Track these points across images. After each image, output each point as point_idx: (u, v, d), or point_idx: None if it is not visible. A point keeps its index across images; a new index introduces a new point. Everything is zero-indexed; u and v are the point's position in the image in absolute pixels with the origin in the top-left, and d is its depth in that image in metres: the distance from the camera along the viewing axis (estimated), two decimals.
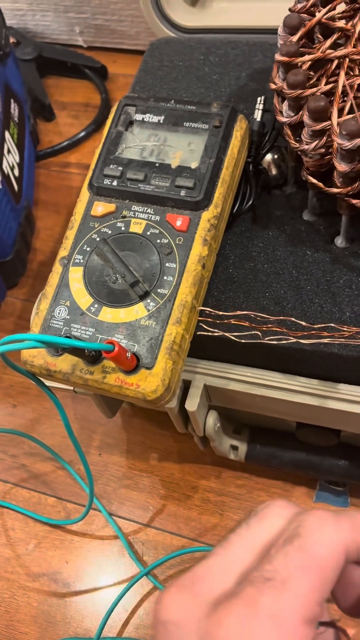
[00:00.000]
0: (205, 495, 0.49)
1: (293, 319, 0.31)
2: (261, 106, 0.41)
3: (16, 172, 0.63)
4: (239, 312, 0.32)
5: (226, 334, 0.32)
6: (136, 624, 0.45)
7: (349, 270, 0.37)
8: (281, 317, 0.32)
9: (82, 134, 0.73)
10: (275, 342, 0.31)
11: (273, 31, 0.54)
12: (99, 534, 0.48)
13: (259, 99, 0.42)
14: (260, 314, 0.31)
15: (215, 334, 0.32)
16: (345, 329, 0.30)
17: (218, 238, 0.37)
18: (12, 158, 0.62)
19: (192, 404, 0.38)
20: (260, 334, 0.31)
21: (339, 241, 0.38)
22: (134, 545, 0.48)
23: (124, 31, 0.78)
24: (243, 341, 0.31)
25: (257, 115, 0.41)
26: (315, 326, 0.31)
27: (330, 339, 0.30)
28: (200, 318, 0.34)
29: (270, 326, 0.31)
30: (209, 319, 0.33)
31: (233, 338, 0.32)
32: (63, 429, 0.54)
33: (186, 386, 0.39)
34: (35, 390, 0.57)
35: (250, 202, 0.39)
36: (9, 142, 0.62)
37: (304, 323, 0.31)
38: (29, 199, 0.66)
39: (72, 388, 0.41)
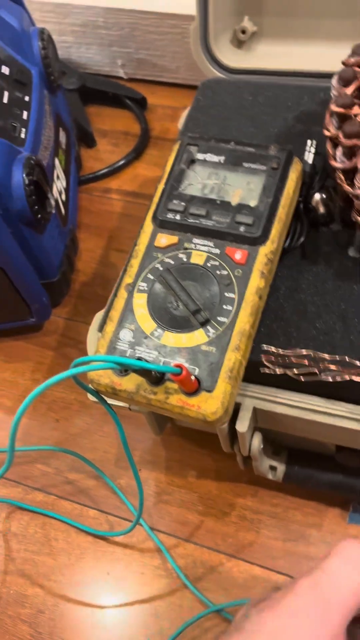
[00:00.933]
0: (242, 512, 0.51)
1: (347, 358, 0.34)
2: (312, 149, 0.44)
3: (63, 196, 0.66)
4: (298, 351, 0.34)
5: (287, 372, 0.34)
6: None
7: None
8: (336, 357, 0.34)
9: (123, 161, 0.77)
10: (330, 379, 0.34)
11: (316, 75, 0.57)
12: (140, 547, 0.51)
13: (309, 142, 0.45)
14: (319, 354, 0.34)
15: (278, 372, 0.35)
16: None
17: (273, 271, 0.40)
18: (60, 183, 0.65)
19: (242, 426, 0.41)
20: (317, 372, 0.34)
21: None
22: (174, 559, 0.50)
23: (165, 65, 0.82)
24: (302, 379, 0.34)
25: (309, 157, 0.44)
26: None
27: None
28: (263, 356, 0.37)
29: (326, 364, 0.34)
30: (272, 357, 0.36)
31: (293, 376, 0.34)
32: (104, 444, 0.57)
33: (236, 408, 0.42)
34: (77, 406, 0.59)
35: (302, 239, 0.42)
36: (58, 168, 0.65)
37: (358, 362, 0.33)
38: (74, 222, 0.69)
39: (123, 405, 0.43)
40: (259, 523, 0.50)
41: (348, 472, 0.47)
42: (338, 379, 0.34)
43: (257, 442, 0.44)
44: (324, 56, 0.59)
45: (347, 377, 0.33)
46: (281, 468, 0.48)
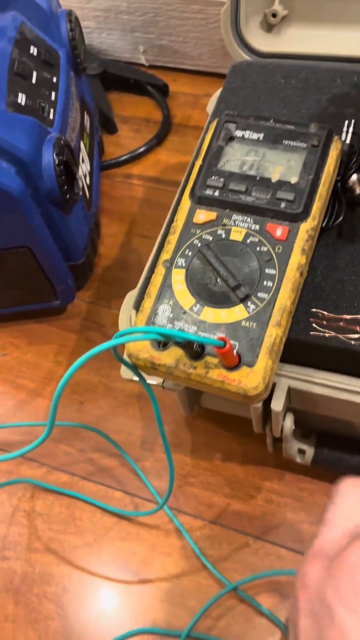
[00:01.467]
0: (269, 496, 0.51)
1: None
2: (350, 129, 0.44)
3: (88, 180, 0.66)
4: (347, 316, 0.34)
5: (338, 335, 0.34)
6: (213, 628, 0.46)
7: None
8: None
9: (144, 147, 0.77)
10: None
11: (347, 59, 0.57)
12: (166, 528, 0.50)
13: (347, 122, 0.45)
14: None
15: (327, 334, 0.35)
16: None
17: (313, 248, 0.39)
18: (85, 167, 0.65)
19: (277, 405, 0.41)
20: None
21: None
22: (200, 540, 0.49)
23: (187, 52, 0.81)
24: (353, 343, 0.34)
25: (347, 137, 0.44)
26: None
27: None
28: (311, 319, 0.37)
29: None
30: (323, 321, 0.36)
31: (345, 340, 0.34)
32: (129, 427, 0.56)
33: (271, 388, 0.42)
34: (101, 388, 0.59)
35: (341, 218, 0.42)
36: (83, 152, 0.65)
37: None
38: (97, 206, 0.69)
39: (160, 384, 0.43)
40: (286, 506, 0.50)
41: None
42: None
43: (289, 422, 0.44)
44: (355, 40, 0.59)
45: None
46: (310, 451, 0.48)
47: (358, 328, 0.33)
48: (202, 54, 0.81)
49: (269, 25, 0.61)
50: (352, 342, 0.34)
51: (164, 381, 0.43)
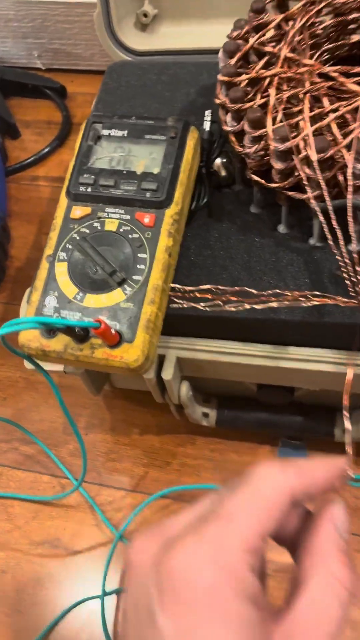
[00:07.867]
0: (183, 460, 0.55)
1: (246, 288, 0.38)
2: (209, 118, 0.48)
3: None
4: (201, 287, 0.38)
5: (193, 304, 0.38)
6: None
7: (290, 251, 0.45)
8: (236, 288, 0.38)
9: (47, 149, 0.80)
10: (233, 309, 0.38)
11: (214, 52, 0.61)
12: (88, 504, 0.54)
13: (206, 112, 0.49)
14: (219, 287, 0.38)
15: (184, 305, 0.39)
16: (288, 293, 0.37)
17: (180, 231, 0.44)
18: None
19: (167, 374, 0.45)
20: (221, 303, 0.38)
21: (281, 228, 0.46)
22: (123, 509, 0.54)
23: (79, 54, 0.84)
24: (208, 309, 0.38)
25: (206, 126, 0.48)
26: (264, 292, 0.38)
27: (278, 303, 0.37)
28: (171, 293, 0.41)
29: (228, 296, 0.38)
30: (179, 293, 0.40)
31: (200, 307, 0.38)
32: (51, 415, 0.60)
33: (161, 360, 0.46)
34: (23, 383, 0.63)
35: (205, 200, 0.46)
36: None
37: (254, 291, 0.38)
38: (3, 210, 0.71)
39: (62, 370, 0.47)
40: (199, 467, 0.55)
41: (271, 410, 0.52)
42: (240, 308, 0.38)
43: (184, 389, 0.48)
44: (221, 33, 0.63)
45: (247, 306, 0.38)
46: (212, 414, 0.53)
47: (209, 296, 0.38)
48: (94, 54, 0.84)
49: (143, 25, 0.65)
50: (207, 308, 0.38)
51: (64, 367, 0.46)
